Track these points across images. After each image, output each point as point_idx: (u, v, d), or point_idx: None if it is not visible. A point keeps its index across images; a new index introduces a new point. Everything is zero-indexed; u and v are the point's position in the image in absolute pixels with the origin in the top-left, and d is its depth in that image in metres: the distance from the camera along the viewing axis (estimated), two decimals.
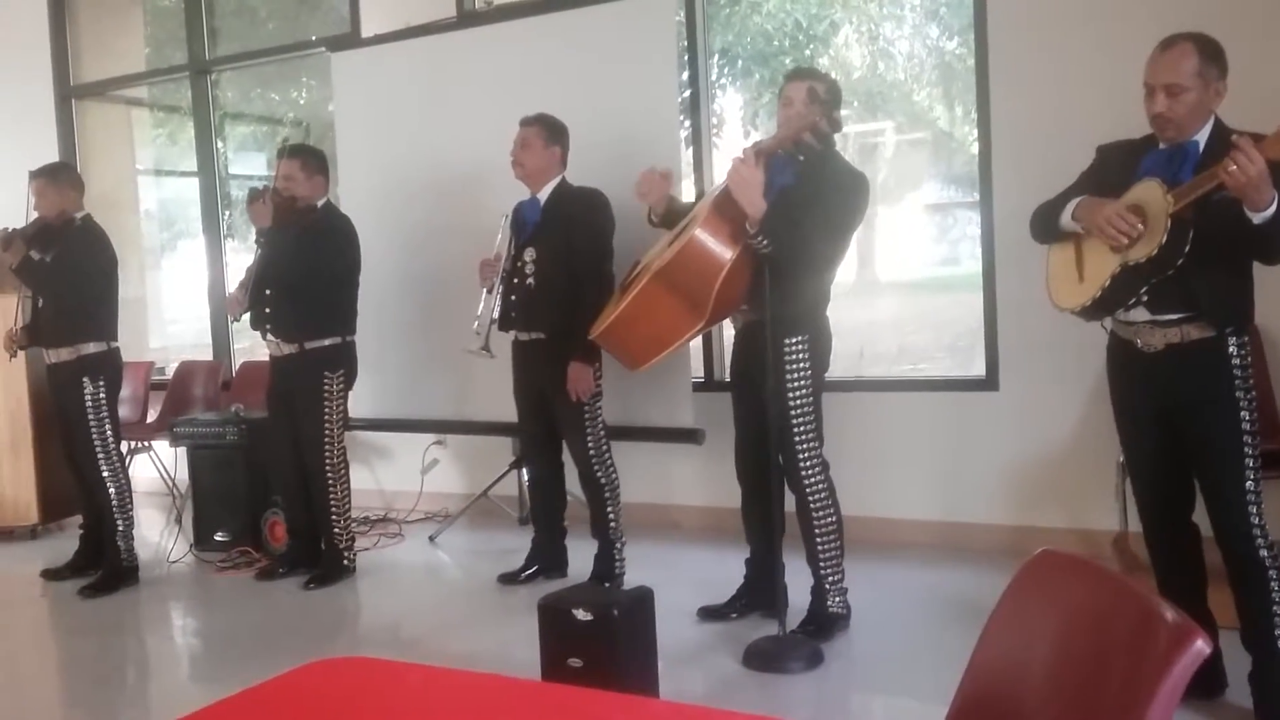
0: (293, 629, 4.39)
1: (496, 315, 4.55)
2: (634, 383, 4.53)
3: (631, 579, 4.40)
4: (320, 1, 7.12)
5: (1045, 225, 3.14)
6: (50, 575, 5.19)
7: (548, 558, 4.75)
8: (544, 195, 4.48)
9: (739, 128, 6.11)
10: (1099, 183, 3.04)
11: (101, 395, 4.90)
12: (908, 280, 6.34)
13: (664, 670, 3.36)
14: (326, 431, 4.82)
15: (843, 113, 3.78)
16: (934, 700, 1.81)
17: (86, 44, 7.52)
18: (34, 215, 4.92)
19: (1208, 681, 3.06)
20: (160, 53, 7.72)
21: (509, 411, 4.77)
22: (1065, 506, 4.66)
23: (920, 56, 5.81)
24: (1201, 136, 2.90)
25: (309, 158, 4.90)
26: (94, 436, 4.89)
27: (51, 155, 6.73)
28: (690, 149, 5.39)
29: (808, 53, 5.96)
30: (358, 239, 4.89)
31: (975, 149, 4.91)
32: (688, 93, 5.36)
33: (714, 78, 5.74)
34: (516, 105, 4.58)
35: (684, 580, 4.45)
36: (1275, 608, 2.93)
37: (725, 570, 4.25)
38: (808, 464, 3.77)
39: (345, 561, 4.95)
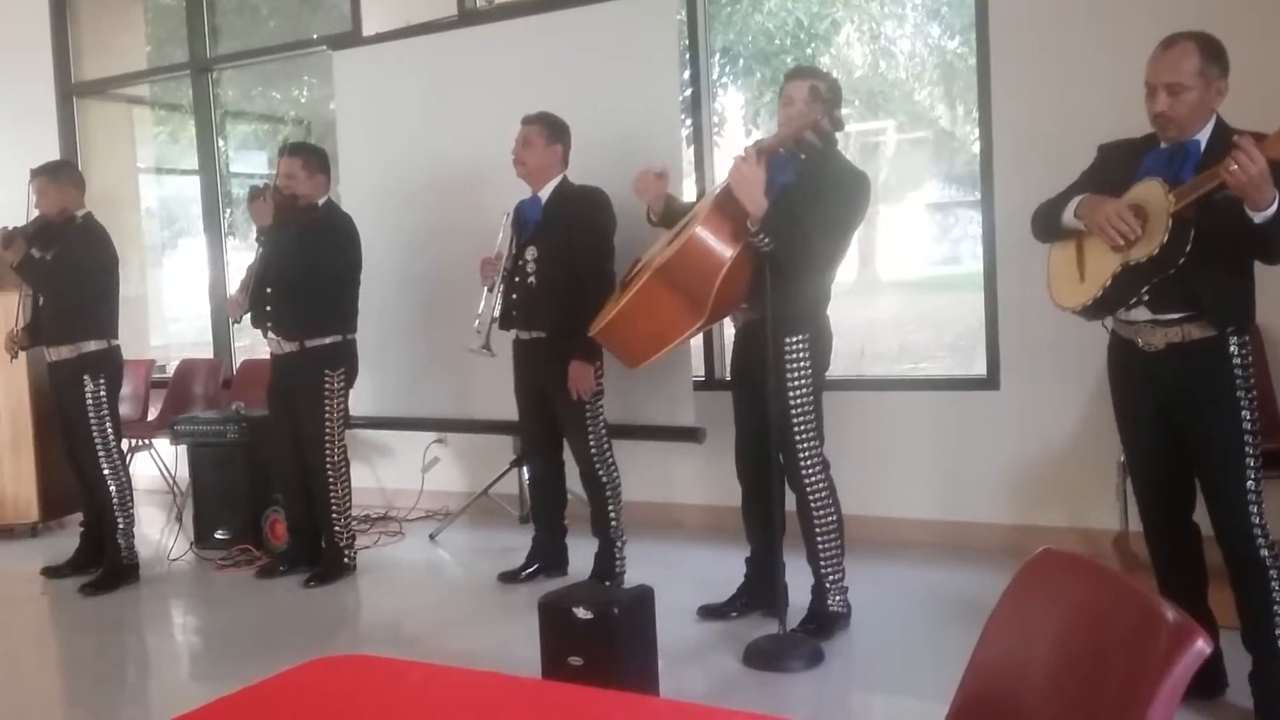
0: (293, 627, 4.39)
1: (497, 314, 4.55)
2: (635, 381, 4.53)
3: (632, 577, 4.40)
4: (321, 0, 7.12)
5: (1047, 224, 3.13)
6: (51, 573, 5.19)
7: (548, 556, 4.75)
8: (545, 194, 4.48)
9: (740, 126, 6.12)
10: (1100, 182, 3.03)
11: (102, 393, 4.90)
12: (909, 279, 6.33)
13: (664, 669, 3.36)
14: (327, 429, 4.82)
15: (844, 111, 3.79)
16: (934, 699, 1.81)
17: (88, 42, 7.52)
18: (35, 213, 4.92)
19: (1208, 681, 3.06)
20: (161, 51, 7.72)
21: (510, 410, 4.77)
22: (1066, 506, 4.65)
23: (922, 55, 5.80)
24: (1203, 136, 2.89)
25: (310, 156, 4.90)
26: (94, 434, 4.90)
27: (53, 153, 6.73)
28: (691, 148, 5.38)
29: (809, 51, 5.95)
30: (359, 237, 4.89)
31: (976, 148, 4.91)
32: (689, 91, 5.35)
33: (715, 76, 5.74)
34: (518, 104, 4.58)
35: (684, 579, 4.45)
36: (1276, 607, 2.93)
37: (725, 569, 4.25)
38: (808, 463, 3.77)
39: (346, 560, 4.95)
